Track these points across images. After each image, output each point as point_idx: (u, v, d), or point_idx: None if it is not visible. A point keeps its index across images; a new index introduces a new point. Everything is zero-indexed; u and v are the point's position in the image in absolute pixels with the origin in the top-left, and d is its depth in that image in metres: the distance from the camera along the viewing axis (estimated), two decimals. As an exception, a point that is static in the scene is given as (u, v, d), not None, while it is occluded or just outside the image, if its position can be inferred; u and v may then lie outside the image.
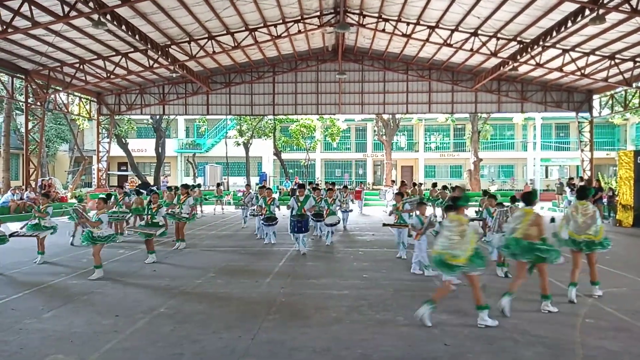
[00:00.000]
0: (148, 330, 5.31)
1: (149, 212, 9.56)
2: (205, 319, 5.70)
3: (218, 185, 24.62)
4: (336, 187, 16.79)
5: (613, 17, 14.08)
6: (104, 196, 8.96)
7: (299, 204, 10.36)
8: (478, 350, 4.73)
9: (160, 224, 9.51)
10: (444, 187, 17.57)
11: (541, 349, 4.75)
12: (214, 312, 6.00)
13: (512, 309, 6.06)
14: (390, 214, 11.04)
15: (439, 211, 17.23)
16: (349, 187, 20.74)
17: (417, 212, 8.46)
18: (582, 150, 25.96)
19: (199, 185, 21.28)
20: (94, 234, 7.77)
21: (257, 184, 25.30)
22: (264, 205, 11.54)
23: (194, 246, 11.50)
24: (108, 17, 13.89)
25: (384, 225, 10.68)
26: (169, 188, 19.00)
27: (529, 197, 6.31)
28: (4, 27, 13.82)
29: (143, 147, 36.16)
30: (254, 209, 12.94)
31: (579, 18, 13.78)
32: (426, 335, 5.14)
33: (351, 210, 17.15)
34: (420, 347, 4.82)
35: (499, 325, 5.44)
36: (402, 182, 18.41)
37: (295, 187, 16.26)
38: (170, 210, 11.11)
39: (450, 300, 6.56)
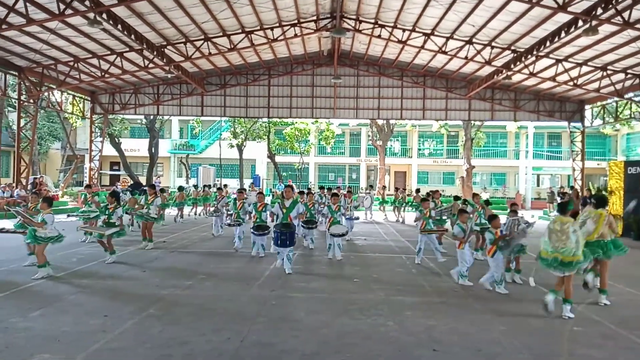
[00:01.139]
0: (136, 331, 5.28)
1: (107, 212, 9.52)
2: (194, 321, 5.67)
3: (207, 187, 24.17)
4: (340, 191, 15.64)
5: (605, 29, 14.26)
6: (49, 197, 9.12)
7: (284, 210, 8.85)
8: (466, 356, 4.75)
9: (116, 224, 9.37)
10: (428, 194, 17.53)
11: (528, 356, 4.78)
12: (203, 313, 5.98)
13: (504, 315, 6.11)
14: (416, 220, 11.01)
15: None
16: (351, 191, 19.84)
17: (459, 221, 8.14)
18: (573, 160, 26.20)
19: (195, 187, 21.00)
20: (38, 233, 7.73)
21: (237, 189, 23.93)
22: (254, 212, 10.12)
23: (185, 247, 11.45)
24: (104, 16, 13.86)
25: (422, 232, 9.68)
26: (162, 190, 18.94)
27: (603, 200, 7.01)
28: (-2, 23, 13.74)
29: (136, 147, 36.01)
30: (230, 217, 11.23)
31: (572, 29, 13.96)
32: (415, 340, 5.15)
33: (357, 218, 15.67)
34: (408, 352, 4.83)
35: (487, 332, 5.48)
36: (396, 188, 18.36)
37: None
38: (138, 210, 11.61)
39: (440, 305, 6.59)
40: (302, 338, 5.17)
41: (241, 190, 11.69)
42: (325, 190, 16.21)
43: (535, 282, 7.65)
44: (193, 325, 5.50)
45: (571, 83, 19.92)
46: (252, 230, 9.72)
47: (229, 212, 11.37)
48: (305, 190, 16.01)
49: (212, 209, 16.68)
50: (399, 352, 4.83)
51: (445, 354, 4.79)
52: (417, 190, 20.10)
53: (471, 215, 8.81)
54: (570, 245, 5.90)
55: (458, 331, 5.49)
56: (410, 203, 20.58)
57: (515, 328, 5.65)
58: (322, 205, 13.30)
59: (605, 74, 18.61)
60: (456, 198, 13.32)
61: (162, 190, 18.50)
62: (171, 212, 17.95)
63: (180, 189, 19.51)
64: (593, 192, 20.34)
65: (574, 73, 19.17)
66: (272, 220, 9.22)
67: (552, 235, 6.11)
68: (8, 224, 14.91)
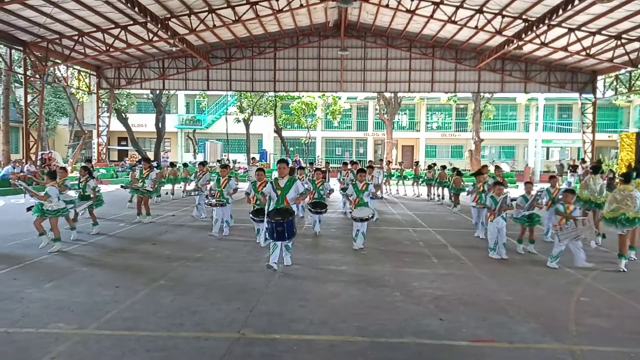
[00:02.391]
0: (148, 301, 5.39)
1: (80, 186, 9.73)
2: (204, 291, 5.77)
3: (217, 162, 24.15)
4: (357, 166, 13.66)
5: (622, -5, 13.83)
6: (52, 171, 9.06)
7: (279, 191, 6.83)
8: (472, 325, 4.80)
9: (90, 196, 9.59)
10: (443, 167, 17.37)
11: (535, 325, 4.82)
12: (213, 284, 6.07)
13: (510, 286, 6.15)
14: (468, 194, 10.77)
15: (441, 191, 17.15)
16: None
17: (492, 193, 8.08)
18: (584, 132, 25.85)
19: (205, 163, 20.21)
20: (44, 207, 7.84)
21: (218, 161, 21.13)
22: (252, 193, 8.39)
23: (194, 221, 11.56)
24: (107, -13, 13.64)
25: (477, 205, 9.63)
26: (172, 164, 18.92)
27: (629, 174, 7.74)
28: (1, -4, 13.59)
29: (143, 122, 36.01)
30: (213, 196, 9.58)
31: (587, -4, 13.55)
32: (422, 310, 5.21)
33: (381, 197, 14.43)
34: (415, 321, 4.90)
35: (494, 302, 5.52)
36: (416, 162, 17.65)
37: (295, 167, 13.70)
38: (134, 184, 11.61)
39: (447, 277, 6.64)
40: (310, 308, 5.25)
41: (225, 166, 10.29)
42: (349, 165, 14.23)
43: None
44: (203, 296, 5.59)
45: (583, 53, 19.47)
46: (250, 214, 8.21)
47: (211, 191, 9.83)
48: (307, 165, 14.83)
49: (191, 186, 15.63)
50: (405, 321, 4.89)
51: (452, 323, 4.85)
52: (443, 167, 19.24)
53: (506, 190, 8.63)
54: (636, 207, 7.03)
55: (464, 301, 5.54)
56: (422, 178, 19.73)
57: (522, 298, 5.69)
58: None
59: (619, 42, 18.13)
60: (443, 167, 15.02)
61: (172, 165, 18.59)
62: (181, 186, 18.03)
63: (185, 165, 19.36)
64: (604, 165, 20.13)
65: (587, 42, 18.70)
66: (266, 204, 7.06)
67: (619, 201, 7.18)
68: (19, 198, 15.13)
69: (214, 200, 9.33)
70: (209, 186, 10.88)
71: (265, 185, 7.45)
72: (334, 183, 14.48)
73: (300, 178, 9.57)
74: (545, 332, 4.64)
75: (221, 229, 9.41)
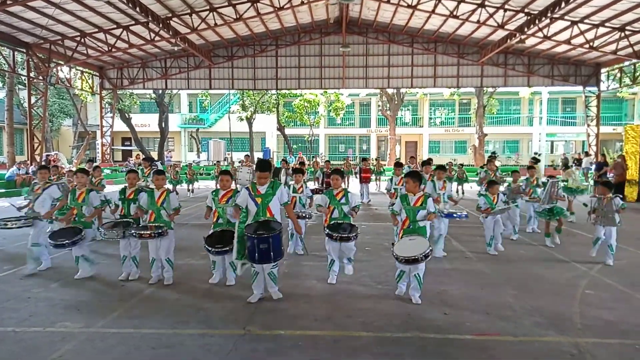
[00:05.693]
0: (154, 299, 5.43)
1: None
2: (209, 289, 5.80)
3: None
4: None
5: (624, -14, 13.73)
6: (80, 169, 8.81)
7: (259, 200, 5.11)
8: (476, 319, 4.81)
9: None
10: (461, 165, 16.89)
11: (540, 318, 4.82)
12: (217, 282, 6.09)
13: (514, 280, 6.15)
14: (504, 193, 10.43)
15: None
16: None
17: (488, 192, 7.82)
18: (588, 125, 25.71)
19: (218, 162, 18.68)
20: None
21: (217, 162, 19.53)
22: (213, 207, 6.07)
23: (198, 219, 11.59)
24: (108, -12, 13.68)
25: (529, 200, 9.37)
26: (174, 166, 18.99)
27: None
28: (3, -2, 13.66)
29: (146, 122, 36.14)
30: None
31: (589, -12, 13.44)
32: (426, 305, 5.22)
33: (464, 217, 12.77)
34: (419, 315, 4.90)
35: (498, 296, 5.52)
36: (412, 157, 16.83)
37: (295, 166, 12.65)
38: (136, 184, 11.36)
39: (451, 271, 6.64)
40: (314, 303, 5.27)
41: (160, 172, 6.55)
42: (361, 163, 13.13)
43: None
44: (208, 293, 5.63)
45: (587, 46, 19.34)
46: (205, 243, 5.75)
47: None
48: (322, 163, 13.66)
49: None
50: (409, 315, 4.90)
51: (456, 317, 4.85)
52: (461, 165, 17.95)
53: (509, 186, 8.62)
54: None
55: (468, 295, 5.55)
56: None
57: (526, 292, 5.68)
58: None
59: (623, 34, 18.00)
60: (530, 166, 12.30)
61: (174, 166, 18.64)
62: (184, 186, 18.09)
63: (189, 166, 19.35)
64: (608, 158, 20.03)
65: (590, 35, 18.58)
66: (238, 217, 5.17)
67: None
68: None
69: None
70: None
71: (231, 196, 5.84)
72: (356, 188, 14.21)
73: (297, 182, 7.89)
74: (549, 326, 4.64)
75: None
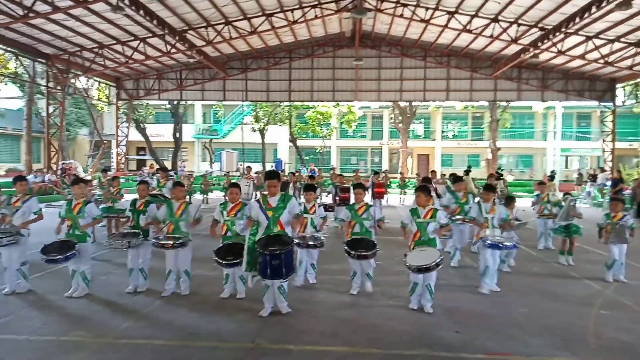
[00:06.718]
0: (164, 310, 5.47)
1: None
2: (220, 301, 5.83)
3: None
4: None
5: (640, 2, 13.64)
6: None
7: (269, 213, 5.16)
8: (486, 337, 4.75)
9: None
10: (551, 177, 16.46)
11: (552, 338, 4.74)
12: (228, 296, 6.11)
13: (526, 298, 6.06)
14: (533, 205, 9.93)
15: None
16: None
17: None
18: (603, 141, 25.39)
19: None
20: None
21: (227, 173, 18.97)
22: (222, 220, 6.02)
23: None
24: (126, 1, 14.01)
25: (540, 216, 9.33)
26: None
27: None
28: (26, 12, 14.07)
29: (161, 133, 36.59)
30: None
31: (604, 3, 13.39)
32: (436, 322, 5.17)
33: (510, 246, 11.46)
34: (430, 333, 4.86)
35: (509, 314, 5.45)
36: (432, 171, 15.49)
37: (305, 179, 12.44)
38: (150, 193, 11.49)
39: (462, 288, 6.58)
40: (322, 318, 5.26)
41: (179, 184, 6.98)
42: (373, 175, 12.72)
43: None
44: (219, 305, 5.65)
45: (602, 61, 19.17)
46: (215, 256, 5.73)
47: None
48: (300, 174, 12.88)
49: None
50: (420, 332, 4.86)
51: (466, 335, 4.80)
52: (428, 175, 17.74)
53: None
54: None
55: (479, 313, 5.49)
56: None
57: (538, 310, 5.60)
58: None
59: (639, 50, 17.83)
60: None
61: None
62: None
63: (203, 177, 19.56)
64: (624, 174, 19.68)
65: (605, 50, 18.43)
66: (250, 229, 5.24)
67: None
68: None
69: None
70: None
71: (240, 209, 5.75)
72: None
73: (308, 200, 6.89)
74: (562, 346, 4.56)
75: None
